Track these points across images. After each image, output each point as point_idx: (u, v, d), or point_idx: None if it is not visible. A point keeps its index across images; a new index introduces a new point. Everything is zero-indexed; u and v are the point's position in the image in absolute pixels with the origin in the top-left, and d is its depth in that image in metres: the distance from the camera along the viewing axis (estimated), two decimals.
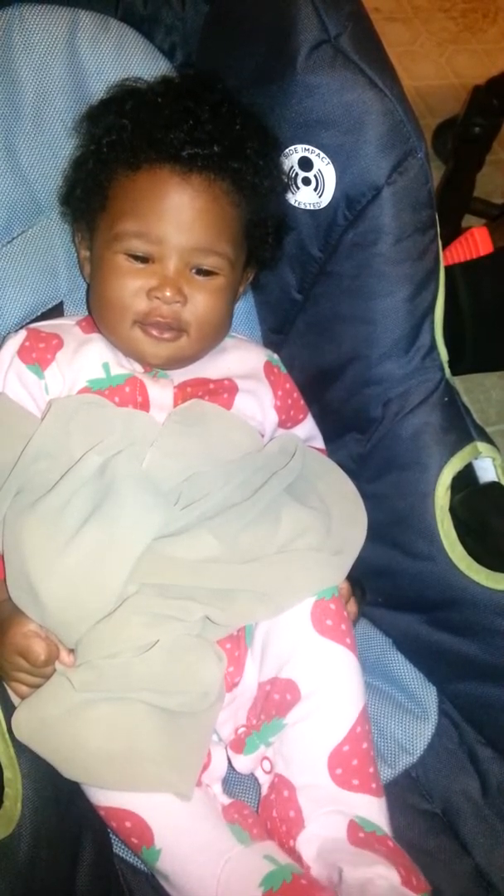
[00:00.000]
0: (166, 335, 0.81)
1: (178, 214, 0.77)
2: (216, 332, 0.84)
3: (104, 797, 0.72)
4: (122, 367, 0.84)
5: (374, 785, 0.73)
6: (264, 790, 0.75)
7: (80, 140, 0.86)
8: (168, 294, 0.78)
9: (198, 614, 0.72)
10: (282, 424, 0.92)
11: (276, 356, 0.95)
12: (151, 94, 0.82)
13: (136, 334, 0.81)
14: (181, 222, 0.77)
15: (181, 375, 0.85)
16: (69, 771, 0.70)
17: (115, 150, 0.79)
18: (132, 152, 0.78)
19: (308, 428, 0.95)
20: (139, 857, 0.73)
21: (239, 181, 0.80)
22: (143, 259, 0.79)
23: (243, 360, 0.90)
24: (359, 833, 0.69)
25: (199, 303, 0.80)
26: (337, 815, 0.71)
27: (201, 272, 0.80)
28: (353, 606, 0.84)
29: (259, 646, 0.78)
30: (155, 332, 0.80)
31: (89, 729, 0.69)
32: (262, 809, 0.75)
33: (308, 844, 0.70)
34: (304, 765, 0.73)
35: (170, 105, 0.79)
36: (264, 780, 0.76)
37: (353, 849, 0.67)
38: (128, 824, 0.70)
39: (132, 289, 0.79)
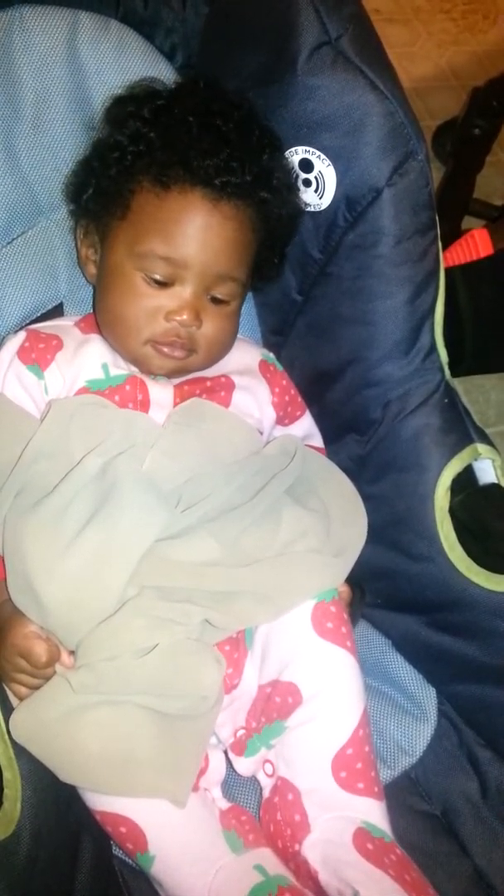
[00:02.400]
0: (177, 354, 0.81)
1: (206, 241, 0.77)
2: (223, 352, 0.86)
3: (100, 802, 0.72)
4: (121, 368, 0.84)
5: (377, 788, 0.73)
6: (266, 793, 0.75)
7: (97, 138, 0.85)
8: (186, 318, 0.78)
9: (198, 617, 0.72)
10: (279, 421, 0.92)
11: (271, 354, 0.95)
12: (179, 107, 0.80)
13: (148, 351, 0.81)
14: (208, 249, 0.78)
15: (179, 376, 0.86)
16: (66, 774, 0.70)
17: (142, 162, 0.78)
18: (162, 171, 0.77)
19: (306, 425, 0.95)
20: (135, 862, 0.73)
21: (264, 210, 0.80)
22: (163, 283, 0.79)
23: (238, 358, 0.90)
24: (367, 844, 0.68)
25: (210, 327, 0.81)
26: (343, 820, 0.70)
27: (215, 300, 0.80)
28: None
29: (259, 648, 0.78)
30: (166, 350, 0.81)
31: (86, 733, 0.69)
32: (263, 812, 0.75)
33: (314, 850, 0.70)
34: (308, 768, 0.73)
35: (200, 124, 0.78)
36: (266, 783, 0.76)
37: (367, 865, 0.67)
38: (123, 830, 0.70)
39: (149, 309, 0.79)
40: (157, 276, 0.78)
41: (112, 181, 0.81)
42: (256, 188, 0.79)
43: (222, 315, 0.82)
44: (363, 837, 0.69)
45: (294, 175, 0.84)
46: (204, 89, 0.84)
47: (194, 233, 0.77)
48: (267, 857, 0.70)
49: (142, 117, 0.80)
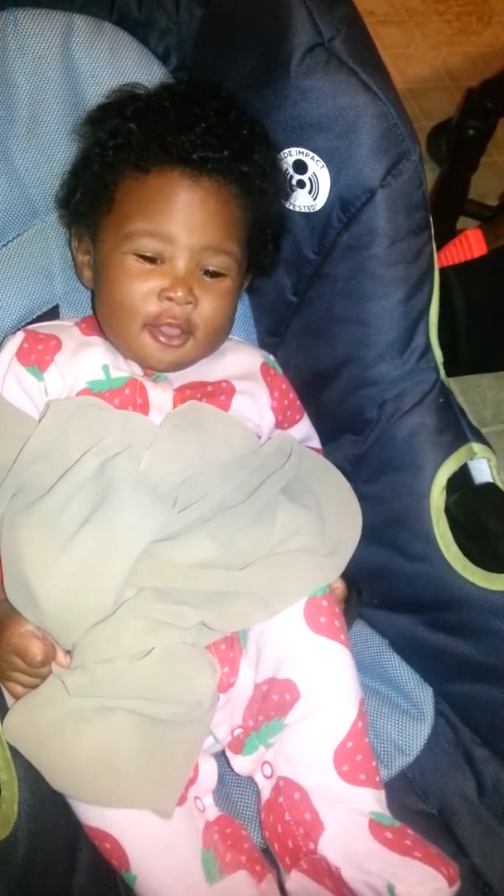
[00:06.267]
0: (175, 342, 0.81)
1: (189, 215, 0.78)
2: (220, 335, 0.85)
3: (87, 815, 0.71)
4: (122, 369, 0.84)
5: (377, 778, 0.73)
6: (266, 794, 0.75)
7: (81, 144, 0.86)
8: (180, 294, 0.78)
9: (194, 620, 0.72)
10: (279, 425, 0.92)
11: (272, 357, 0.95)
12: (157, 99, 0.82)
13: (145, 339, 0.81)
14: (192, 222, 0.78)
15: (180, 378, 0.86)
16: (55, 781, 0.70)
17: (122, 153, 0.79)
18: (141, 155, 0.78)
19: (304, 428, 0.96)
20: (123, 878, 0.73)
21: (247, 185, 0.80)
22: (153, 259, 0.79)
23: (240, 362, 0.91)
24: (385, 833, 0.69)
25: (207, 305, 0.80)
26: (354, 813, 0.70)
27: (209, 273, 0.80)
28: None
29: (253, 647, 0.78)
30: (163, 339, 0.80)
31: (77, 740, 0.69)
32: (267, 814, 0.74)
33: (332, 846, 0.69)
34: (310, 765, 0.73)
35: (177, 109, 0.79)
36: (264, 785, 0.75)
37: (393, 855, 0.67)
38: (107, 846, 0.70)
39: (143, 291, 0.79)
40: (147, 253, 0.78)
41: (96, 177, 0.81)
42: (236, 163, 0.79)
43: (218, 292, 0.81)
44: (378, 828, 0.69)
45: (276, 149, 0.83)
46: (185, 84, 0.84)
47: (177, 208, 0.77)
48: (240, 883, 0.69)
49: (121, 114, 0.81)
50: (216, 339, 0.85)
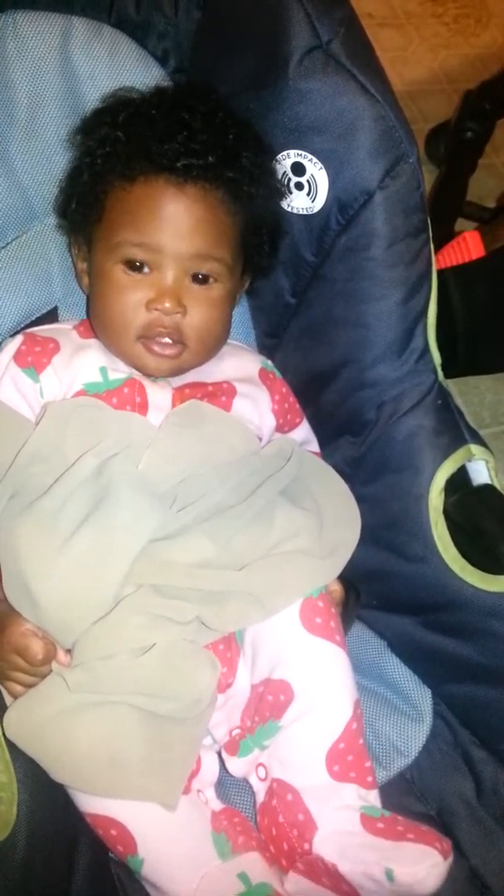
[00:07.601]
0: (168, 352, 0.81)
1: (176, 223, 0.78)
2: (216, 343, 0.85)
3: (89, 804, 0.71)
4: (120, 370, 0.85)
5: (370, 778, 0.73)
6: (261, 797, 0.75)
7: (74, 152, 0.86)
8: (167, 305, 0.78)
9: (192, 614, 0.72)
10: (279, 428, 0.93)
11: (269, 362, 0.96)
12: (145, 106, 0.82)
13: (140, 350, 0.81)
14: (179, 230, 0.78)
15: (179, 378, 0.86)
16: (57, 773, 0.70)
17: (109, 162, 0.80)
18: (127, 164, 0.78)
19: (304, 431, 0.96)
20: (126, 865, 0.73)
21: (234, 190, 0.80)
22: (141, 269, 0.79)
23: (238, 366, 0.91)
24: (377, 824, 0.69)
25: (197, 315, 0.80)
26: (344, 810, 0.71)
27: (199, 280, 0.80)
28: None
29: (249, 647, 0.78)
30: (157, 349, 0.81)
31: (79, 733, 0.69)
32: (262, 816, 0.74)
33: (326, 845, 0.70)
34: (303, 766, 0.73)
35: (164, 116, 0.79)
36: (259, 787, 0.76)
37: (386, 842, 0.68)
38: (113, 832, 0.70)
39: (132, 302, 0.79)
40: (135, 263, 0.79)
41: (86, 187, 0.82)
42: (222, 169, 0.79)
43: (208, 300, 0.81)
44: (369, 820, 0.70)
45: (267, 151, 0.83)
46: (176, 88, 0.84)
47: (164, 217, 0.78)
48: (254, 863, 0.70)
49: (111, 122, 0.81)
50: (212, 346, 0.85)
